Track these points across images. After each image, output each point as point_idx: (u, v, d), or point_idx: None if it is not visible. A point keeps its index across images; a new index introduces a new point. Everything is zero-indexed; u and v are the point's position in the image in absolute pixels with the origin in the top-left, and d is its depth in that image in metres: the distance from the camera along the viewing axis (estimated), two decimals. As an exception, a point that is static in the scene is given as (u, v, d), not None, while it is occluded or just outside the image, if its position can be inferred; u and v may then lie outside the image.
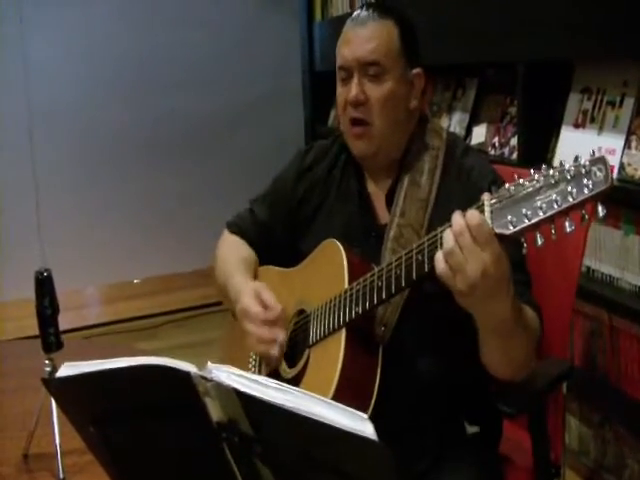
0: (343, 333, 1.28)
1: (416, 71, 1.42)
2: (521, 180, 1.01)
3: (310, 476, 0.86)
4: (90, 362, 0.92)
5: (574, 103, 2.22)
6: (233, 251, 1.60)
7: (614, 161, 2.02)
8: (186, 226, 3.96)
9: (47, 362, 1.34)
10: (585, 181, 0.94)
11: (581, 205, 0.96)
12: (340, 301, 1.30)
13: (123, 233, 3.84)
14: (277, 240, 1.59)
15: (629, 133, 2.01)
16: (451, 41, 2.56)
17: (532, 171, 1.00)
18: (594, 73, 2.18)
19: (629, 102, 2.02)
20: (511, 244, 1.05)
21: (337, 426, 0.76)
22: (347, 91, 1.39)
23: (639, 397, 2.03)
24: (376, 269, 1.26)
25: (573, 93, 2.23)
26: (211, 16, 3.87)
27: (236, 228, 1.64)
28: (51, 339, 1.30)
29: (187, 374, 0.87)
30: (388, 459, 0.76)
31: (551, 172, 0.98)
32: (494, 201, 1.03)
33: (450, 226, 1.07)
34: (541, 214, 0.98)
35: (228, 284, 1.51)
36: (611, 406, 2.17)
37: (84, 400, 0.96)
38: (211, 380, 0.86)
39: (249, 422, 0.86)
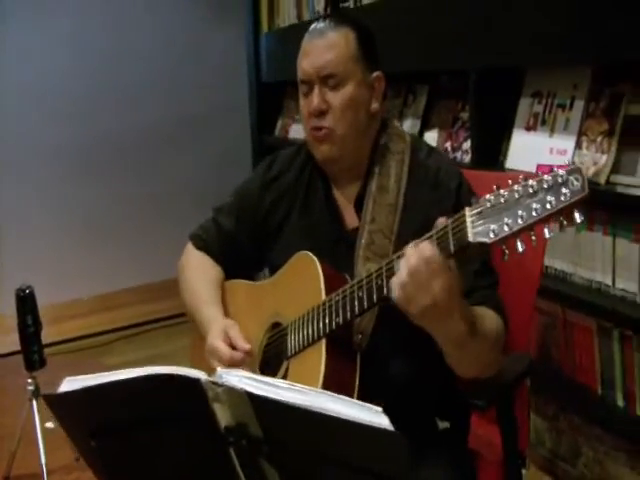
0: (323, 343, 1.31)
1: (376, 74, 1.44)
2: (501, 190, 1.04)
3: (318, 473, 0.88)
4: (93, 375, 0.92)
5: (525, 107, 2.30)
6: (199, 274, 1.59)
7: (566, 161, 2.10)
8: (132, 242, 3.93)
9: (29, 381, 1.29)
10: (563, 190, 0.98)
11: (560, 213, 1.00)
12: (319, 312, 1.32)
13: (70, 251, 3.78)
14: (243, 250, 1.59)
15: (580, 134, 2.10)
16: (402, 49, 2.60)
17: (510, 181, 1.04)
18: (544, 77, 2.26)
19: (579, 104, 2.11)
20: (476, 252, 1.09)
21: (354, 420, 0.78)
22: (309, 102, 1.41)
23: (593, 386, 2.11)
24: (356, 280, 1.28)
25: (524, 97, 2.31)
26: (157, 28, 3.86)
27: (200, 242, 1.63)
28: (35, 357, 1.25)
29: (197, 380, 0.87)
30: (404, 448, 0.79)
31: (530, 182, 1.01)
32: (475, 211, 1.06)
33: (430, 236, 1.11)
34: (521, 222, 1.01)
35: (196, 313, 1.52)
36: (566, 397, 2.25)
37: (86, 414, 0.95)
38: (222, 385, 0.87)
39: (259, 424, 0.87)
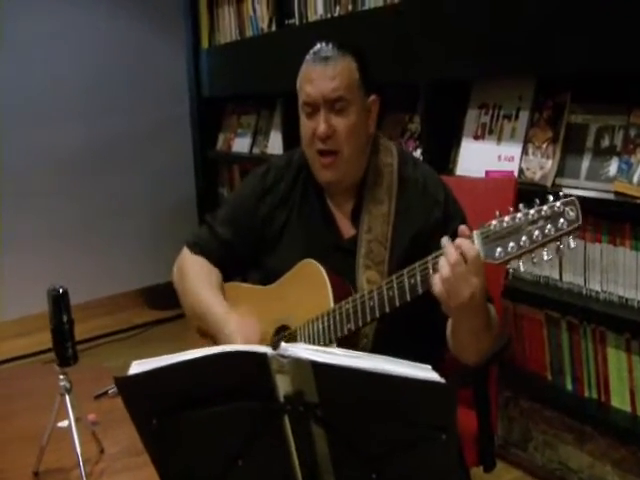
0: (334, 347, 1.40)
1: (372, 98, 1.53)
2: (506, 217, 1.18)
3: (367, 431, 0.96)
4: (160, 357, 0.97)
5: (472, 117, 2.46)
6: (203, 276, 1.63)
7: (514, 167, 2.28)
8: (73, 258, 3.91)
9: (62, 377, 1.32)
10: (560, 220, 1.14)
11: (557, 239, 1.15)
12: (329, 319, 1.42)
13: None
14: (239, 257, 1.65)
15: (526, 142, 2.27)
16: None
17: (511, 209, 1.19)
18: (490, 89, 2.42)
19: (524, 114, 2.28)
20: None
21: (407, 376, 0.89)
22: (314, 125, 1.47)
23: (543, 373, 2.29)
24: (366, 291, 1.38)
25: (471, 109, 2.46)
26: (98, 45, 3.87)
27: (197, 248, 1.67)
28: (69, 352, 1.30)
29: (264, 355, 0.95)
30: (453, 399, 0.90)
31: (531, 211, 1.16)
32: (483, 235, 1.20)
33: (441, 254, 1.23)
34: (524, 247, 1.16)
35: (206, 314, 1.56)
36: (518, 385, 2.41)
37: (151, 394, 1.00)
38: (287, 357, 0.95)
39: (317, 390, 0.96)
